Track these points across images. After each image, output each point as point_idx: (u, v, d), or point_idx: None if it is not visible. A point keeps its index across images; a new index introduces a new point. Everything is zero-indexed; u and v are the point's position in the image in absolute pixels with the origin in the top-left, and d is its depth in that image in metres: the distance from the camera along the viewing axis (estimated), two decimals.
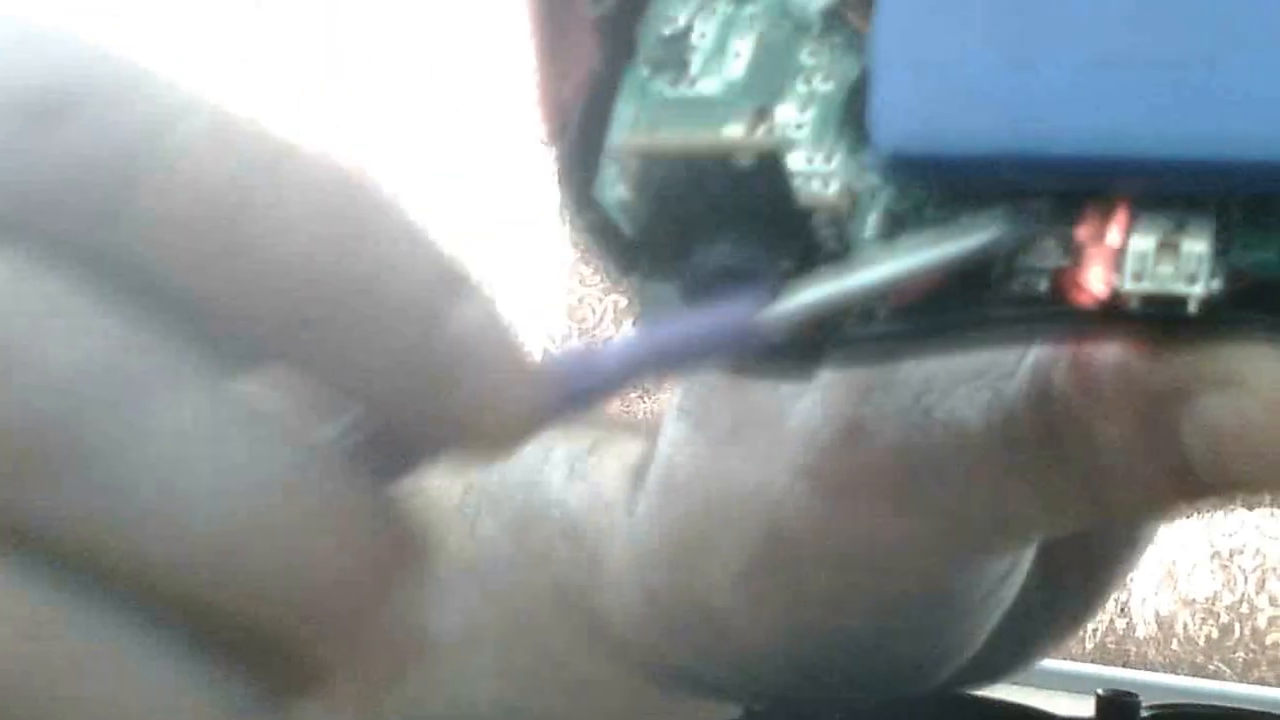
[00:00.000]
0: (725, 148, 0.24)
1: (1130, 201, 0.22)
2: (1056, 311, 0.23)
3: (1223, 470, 0.24)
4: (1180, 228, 0.22)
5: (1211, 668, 1.72)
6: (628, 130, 0.25)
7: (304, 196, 0.18)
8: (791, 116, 0.24)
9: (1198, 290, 0.22)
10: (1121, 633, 1.73)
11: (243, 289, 0.18)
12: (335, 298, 0.18)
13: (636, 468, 0.34)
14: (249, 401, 0.19)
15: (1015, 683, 0.37)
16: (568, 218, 0.25)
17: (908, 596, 0.30)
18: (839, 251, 0.24)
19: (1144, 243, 0.22)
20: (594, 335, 1.61)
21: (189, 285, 0.18)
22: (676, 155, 0.24)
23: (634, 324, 0.25)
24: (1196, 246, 0.22)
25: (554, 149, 0.26)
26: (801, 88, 0.24)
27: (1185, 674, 1.71)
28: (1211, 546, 1.68)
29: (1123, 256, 0.22)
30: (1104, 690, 0.36)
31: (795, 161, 0.24)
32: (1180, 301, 0.22)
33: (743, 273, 0.24)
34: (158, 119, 0.19)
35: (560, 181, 0.25)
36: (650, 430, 0.34)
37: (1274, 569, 1.67)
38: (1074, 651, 1.72)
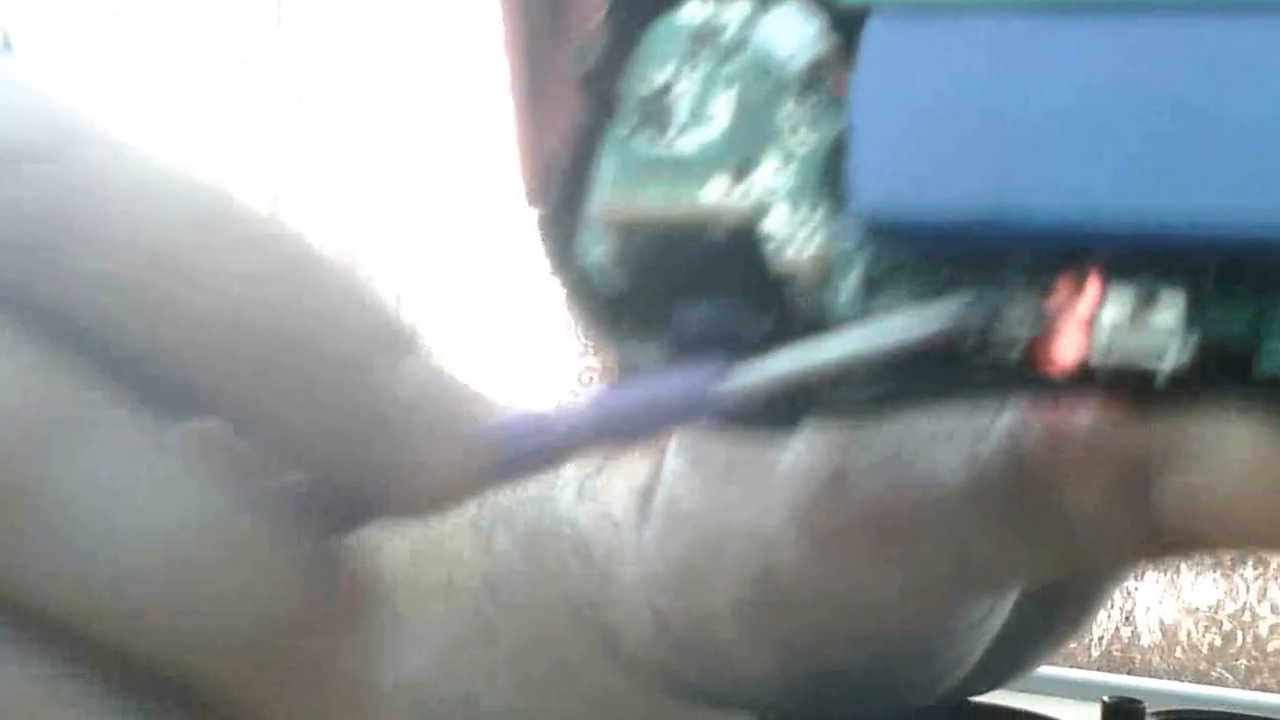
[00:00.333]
0: (702, 216, 0.24)
1: (1103, 270, 0.22)
2: (1028, 379, 0.23)
3: (1193, 536, 0.24)
4: (1152, 299, 0.22)
5: (1214, 675, 1.71)
6: (608, 192, 0.25)
7: (240, 254, 0.18)
8: (770, 176, 0.24)
9: (1167, 364, 0.22)
10: (1126, 641, 1.72)
11: (177, 343, 0.18)
12: (269, 355, 0.18)
13: (643, 489, 0.34)
14: (187, 450, 0.19)
15: (1022, 690, 0.37)
16: (550, 272, 0.25)
17: (898, 633, 0.31)
18: (816, 315, 0.24)
19: (1115, 314, 0.22)
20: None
21: (124, 338, 0.18)
22: (655, 223, 0.24)
23: (612, 383, 0.25)
24: (1167, 320, 0.22)
25: (535, 207, 0.25)
26: (781, 147, 0.24)
27: (1189, 681, 1.70)
28: (1214, 555, 1.67)
29: (1094, 327, 0.22)
30: (1109, 697, 0.36)
31: (773, 222, 0.24)
32: (1152, 371, 0.22)
33: (723, 335, 0.24)
34: (94, 175, 0.18)
35: (543, 236, 0.25)
36: (657, 451, 0.34)
37: (1275, 577, 1.67)
38: (1080, 659, 1.72)
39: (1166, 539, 0.24)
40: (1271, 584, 1.67)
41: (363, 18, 2.03)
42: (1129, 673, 1.71)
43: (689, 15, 0.25)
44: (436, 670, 0.40)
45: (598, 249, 0.25)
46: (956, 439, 0.27)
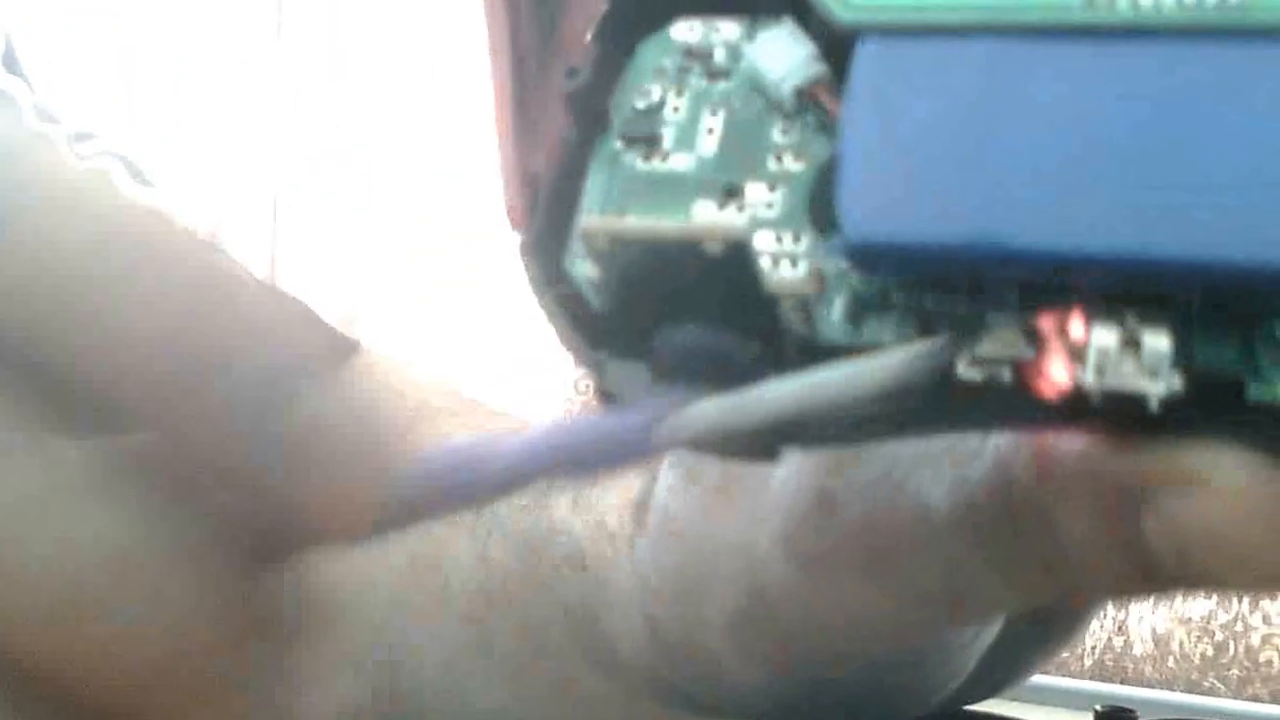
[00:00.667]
0: (692, 235, 0.24)
1: (1093, 295, 0.22)
2: (1019, 402, 0.22)
3: (1186, 567, 0.23)
4: (1142, 324, 0.21)
5: (1207, 684, 1.71)
6: (598, 208, 0.24)
7: (162, 272, 0.18)
8: (762, 195, 0.24)
9: (1159, 389, 0.21)
10: (1119, 650, 1.72)
11: (87, 360, 0.18)
12: (186, 374, 0.18)
13: (638, 501, 0.34)
14: (93, 468, 0.18)
15: (1016, 699, 0.37)
16: (534, 292, 0.25)
17: (887, 655, 0.30)
18: (805, 338, 0.23)
19: (1106, 337, 0.22)
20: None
21: (40, 352, 0.18)
22: (645, 240, 0.24)
23: (600, 401, 0.24)
24: (1159, 344, 0.21)
25: (520, 224, 0.25)
26: (772, 166, 0.24)
27: (1181, 690, 1.70)
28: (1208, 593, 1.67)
29: (1085, 350, 0.22)
30: (1102, 706, 0.36)
31: (763, 241, 0.23)
32: (1142, 398, 0.21)
33: (709, 357, 0.24)
34: (14, 187, 0.18)
35: (527, 255, 0.25)
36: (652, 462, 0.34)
37: None
38: (1073, 668, 1.71)
39: (1158, 570, 0.24)
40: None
41: (361, 23, 2.03)
42: (1121, 682, 1.71)
43: (679, 35, 0.25)
44: (433, 676, 0.40)
45: (583, 267, 0.24)
46: (945, 461, 0.27)
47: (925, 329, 0.23)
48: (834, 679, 0.31)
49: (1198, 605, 1.68)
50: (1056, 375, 0.22)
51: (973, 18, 0.22)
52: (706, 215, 0.24)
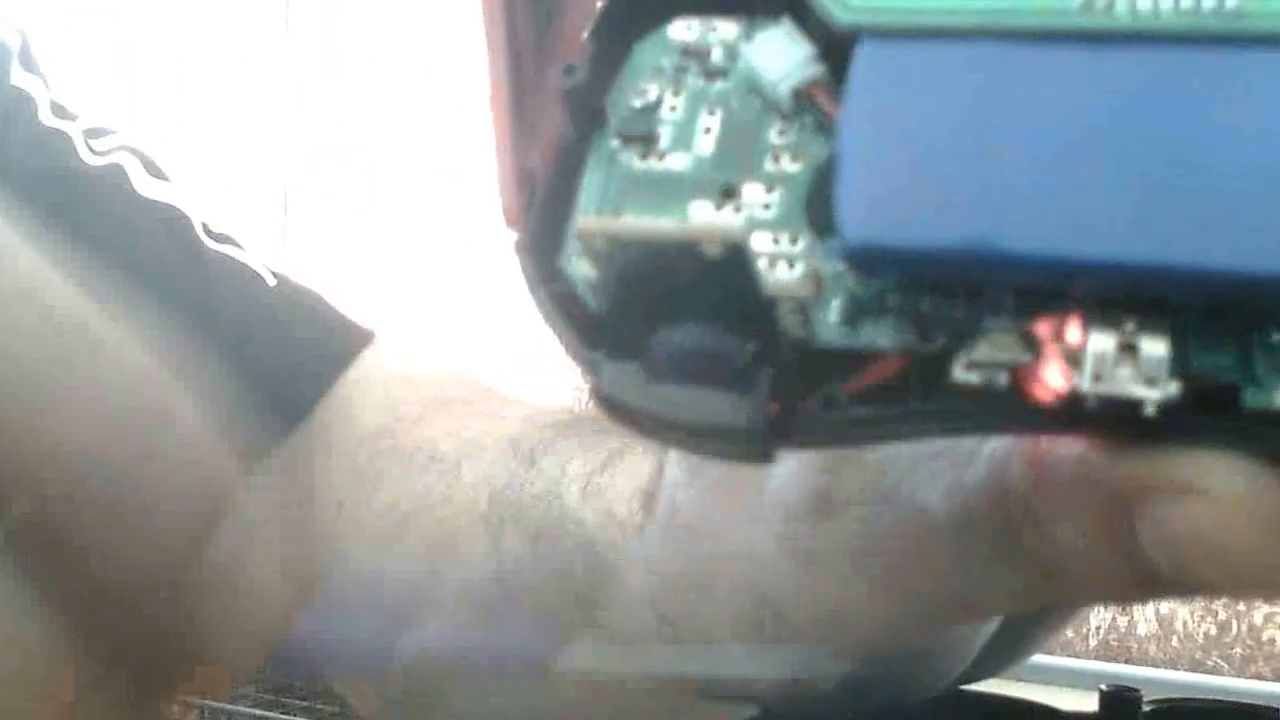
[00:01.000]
0: (689, 235, 0.23)
1: (1091, 300, 0.21)
2: (1015, 407, 0.22)
3: (1182, 573, 0.23)
4: (1140, 330, 0.21)
5: (1210, 663, 1.71)
6: (594, 207, 0.24)
7: (95, 401, 0.18)
8: (759, 196, 0.23)
9: (1156, 394, 0.21)
10: (1123, 630, 1.72)
11: (11, 470, 0.18)
12: (102, 502, 0.17)
13: (646, 489, 0.34)
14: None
15: (1021, 679, 0.37)
16: (530, 290, 0.24)
17: (890, 650, 0.30)
18: (802, 340, 0.23)
19: (1104, 343, 0.21)
20: None
21: None
22: (642, 239, 0.24)
23: (596, 401, 0.24)
24: (1156, 349, 0.21)
25: (516, 222, 0.25)
26: (770, 167, 0.24)
27: (1185, 669, 1.70)
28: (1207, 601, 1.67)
29: (1082, 355, 0.21)
30: (1107, 686, 0.36)
31: (760, 242, 0.23)
32: (1138, 404, 0.21)
33: (706, 358, 0.23)
34: None
35: (523, 253, 0.24)
36: (660, 450, 0.34)
37: None
38: (1077, 648, 1.72)
39: (1154, 576, 0.23)
40: None
41: (365, 23, 2.03)
42: (1126, 661, 1.71)
43: (676, 34, 0.25)
44: (448, 664, 0.40)
45: (579, 266, 0.24)
46: (942, 462, 0.27)
47: (922, 332, 0.23)
48: (835, 682, 0.31)
49: None
50: (1053, 380, 0.22)
51: (972, 21, 0.22)
52: (703, 215, 0.23)
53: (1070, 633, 1.71)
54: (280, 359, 0.46)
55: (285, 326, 0.47)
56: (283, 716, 1.18)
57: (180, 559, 0.18)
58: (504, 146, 0.25)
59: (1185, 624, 1.71)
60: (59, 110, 0.48)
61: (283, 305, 0.47)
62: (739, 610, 0.31)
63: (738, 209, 0.23)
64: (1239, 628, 1.71)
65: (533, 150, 0.25)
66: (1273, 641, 1.70)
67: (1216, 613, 1.70)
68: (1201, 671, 1.70)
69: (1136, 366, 0.21)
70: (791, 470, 0.29)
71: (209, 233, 0.47)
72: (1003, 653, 0.34)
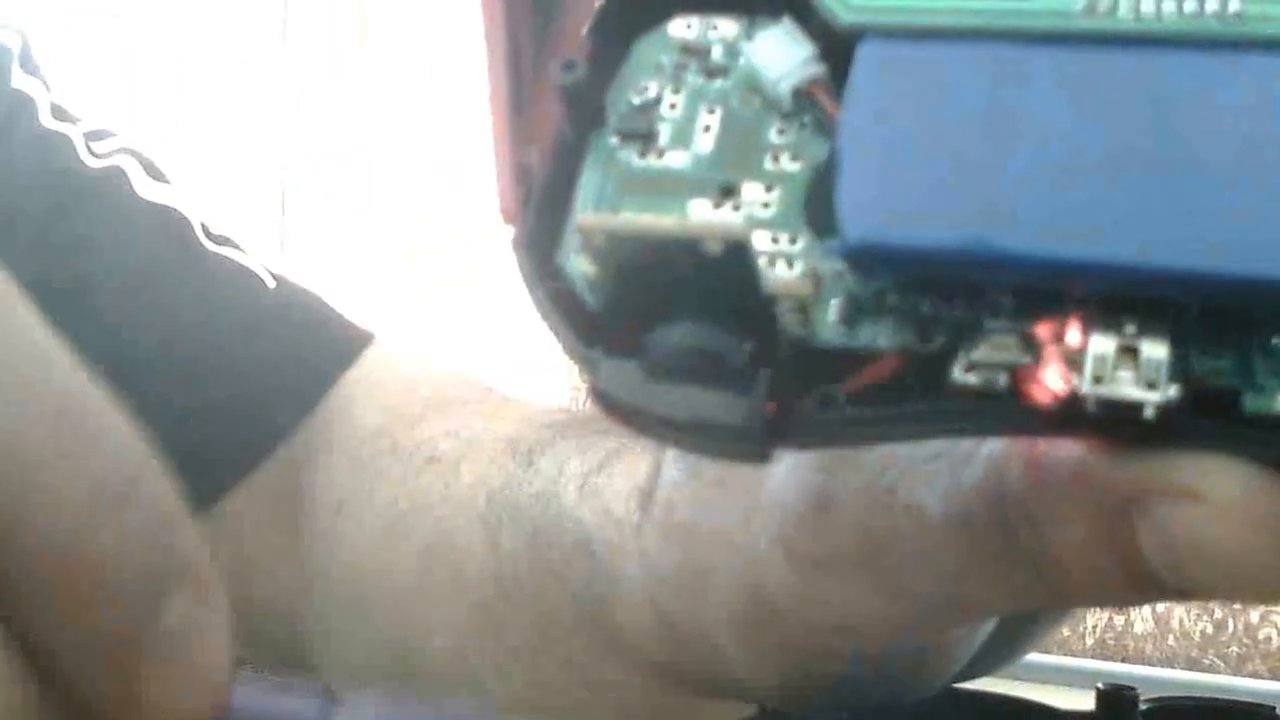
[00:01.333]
0: (688, 232, 0.23)
1: (1091, 302, 0.21)
2: (1014, 408, 0.22)
3: (1180, 577, 0.23)
4: (1140, 333, 0.21)
5: (1206, 661, 1.71)
6: (592, 204, 0.24)
7: (55, 471, 0.18)
8: (758, 194, 0.23)
9: (1156, 397, 0.21)
10: (1120, 629, 1.72)
11: None
12: (59, 575, 0.18)
13: (644, 488, 0.34)
14: None
15: (1018, 678, 0.37)
16: (527, 287, 0.24)
17: (888, 651, 0.30)
18: (800, 339, 0.23)
19: (1104, 345, 0.21)
20: None
21: None
22: (640, 236, 0.23)
23: (594, 399, 0.24)
24: (1157, 352, 0.21)
25: (514, 219, 0.24)
26: (769, 166, 0.23)
27: (1181, 668, 1.70)
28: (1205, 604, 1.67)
29: (1082, 357, 0.21)
30: (1104, 684, 0.36)
31: (760, 240, 0.23)
32: (1138, 407, 0.21)
33: (703, 357, 0.23)
34: None
35: (521, 250, 0.24)
36: (657, 449, 0.34)
37: None
38: (1074, 647, 1.72)
39: (1151, 580, 0.23)
40: None
41: (364, 23, 2.03)
42: (1123, 660, 1.71)
43: (676, 32, 0.25)
44: (446, 661, 0.40)
45: (577, 263, 0.24)
46: (940, 463, 0.26)
47: (921, 333, 0.22)
48: (838, 674, 0.31)
49: None
50: (1052, 382, 0.21)
51: (975, 22, 0.22)
52: (702, 214, 0.23)
53: (1067, 631, 1.71)
54: (280, 360, 0.46)
55: (285, 328, 0.47)
56: None
57: (131, 627, 0.18)
58: (502, 143, 0.25)
59: (1182, 622, 1.71)
60: (59, 113, 0.48)
61: (282, 306, 0.47)
62: (737, 610, 0.31)
63: (737, 208, 0.23)
64: (1235, 626, 1.71)
65: (531, 147, 0.25)
66: (1269, 640, 1.70)
67: (1213, 611, 1.70)
68: (1198, 670, 1.70)
69: (1136, 369, 0.21)
70: (789, 470, 0.29)
71: (208, 234, 0.47)
72: (1000, 651, 0.34)
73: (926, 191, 0.21)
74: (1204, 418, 0.21)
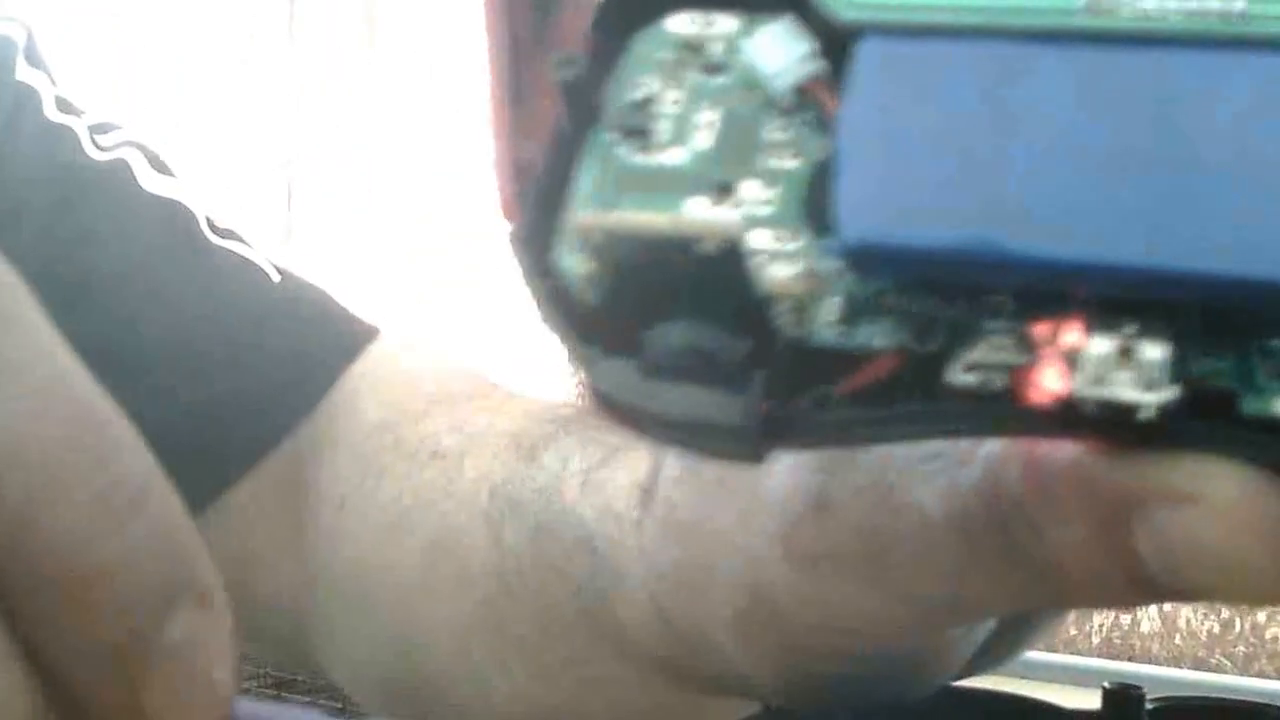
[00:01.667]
0: (686, 231, 0.23)
1: (1090, 303, 0.21)
2: (1012, 409, 0.22)
3: (1178, 579, 0.23)
4: (1139, 334, 0.21)
5: (1213, 661, 1.71)
6: (589, 201, 0.24)
7: (65, 481, 0.17)
8: (757, 192, 0.23)
9: (1154, 399, 0.21)
10: (1126, 628, 1.72)
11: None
12: (67, 584, 0.18)
13: (644, 484, 0.34)
14: None
15: (1024, 676, 0.37)
16: (525, 283, 0.24)
17: (888, 651, 0.30)
18: (798, 340, 0.23)
19: (1102, 346, 0.21)
20: None
21: None
22: (638, 234, 0.23)
23: (590, 397, 0.24)
24: (1155, 354, 0.21)
25: (512, 214, 0.25)
26: (768, 164, 0.23)
27: (1188, 668, 1.70)
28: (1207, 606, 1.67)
29: (1081, 358, 0.21)
30: (1110, 684, 0.36)
31: (758, 239, 0.23)
32: (1136, 409, 0.21)
33: (700, 356, 0.23)
34: None
35: (518, 246, 0.24)
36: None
37: None
38: (1081, 646, 1.71)
39: (1150, 581, 0.23)
40: None
41: (368, 21, 2.03)
42: (1129, 659, 1.71)
43: (675, 28, 0.24)
44: (450, 656, 0.40)
45: (574, 260, 0.24)
46: (938, 463, 0.26)
47: (919, 333, 0.22)
48: (839, 673, 0.31)
49: None
50: (1050, 383, 0.21)
51: (976, 20, 0.22)
52: (700, 211, 0.23)
53: (1074, 630, 1.71)
54: (284, 354, 0.46)
55: (289, 322, 0.47)
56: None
57: (136, 637, 0.18)
58: (501, 138, 0.25)
59: (1189, 622, 1.71)
60: (64, 105, 0.48)
61: (287, 300, 0.47)
62: (736, 608, 0.30)
63: (735, 205, 0.23)
64: (1242, 626, 1.71)
65: (530, 142, 0.25)
66: (1275, 640, 1.69)
67: (1220, 611, 1.70)
68: (1205, 670, 1.69)
69: (1135, 371, 0.21)
70: (788, 469, 0.29)
71: (213, 228, 0.47)
72: (1000, 648, 0.34)
73: (926, 191, 0.21)
74: (1203, 420, 0.21)
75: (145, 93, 1.97)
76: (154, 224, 0.46)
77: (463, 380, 0.46)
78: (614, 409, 0.24)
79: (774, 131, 0.23)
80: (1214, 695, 0.39)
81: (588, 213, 0.24)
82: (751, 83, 0.24)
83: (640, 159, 0.24)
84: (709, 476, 0.31)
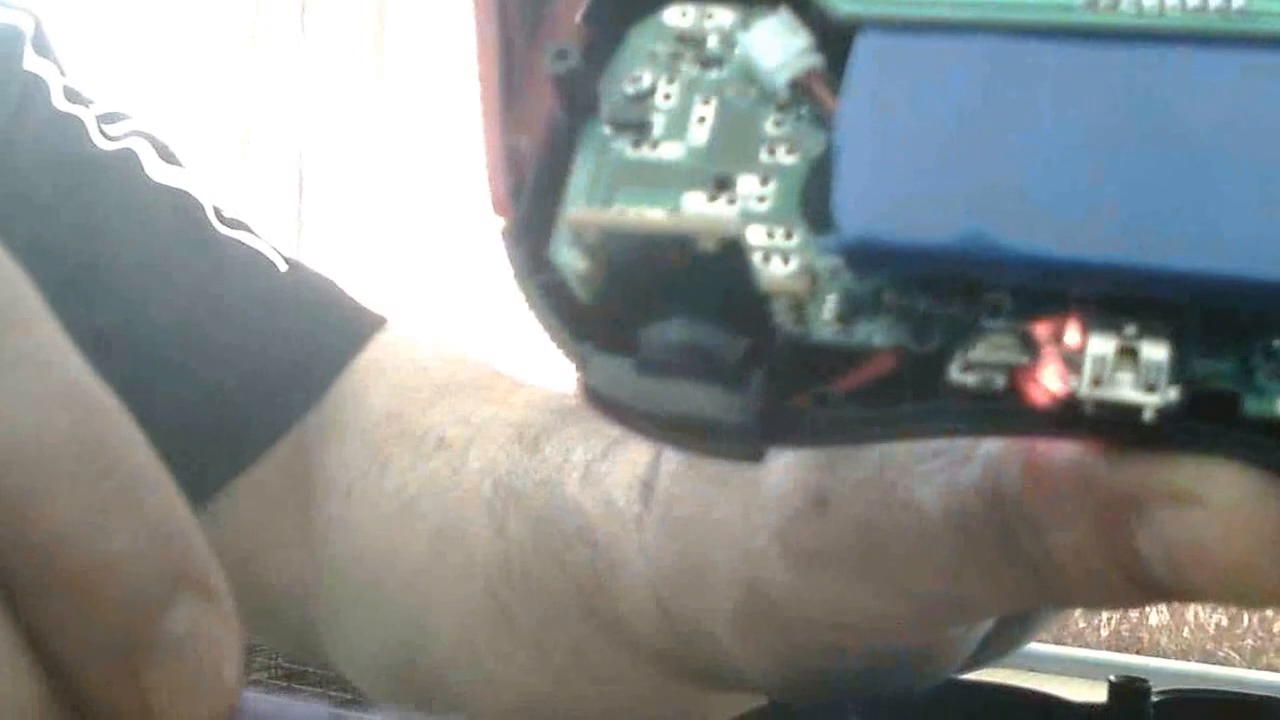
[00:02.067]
0: (683, 226, 0.22)
1: (1090, 303, 0.21)
2: (1012, 409, 0.21)
3: (1179, 581, 0.22)
4: (1140, 334, 0.21)
5: (1221, 654, 1.71)
6: (584, 195, 0.23)
7: (65, 473, 0.17)
8: (753, 188, 0.23)
9: (1156, 400, 0.20)
10: (1135, 621, 1.72)
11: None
12: (69, 576, 0.18)
13: (644, 478, 0.34)
14: None
15: (1031, 669, 0.37)
16: (516, 280, 0.24)
17: (887, 649, 0.30)
18: (796, 332, 0.22)
19: (1103, 346, 0.21)
20: None
21: None
22: (633, 230, 0.23)
23: (584, 396, 0.23)
24: (1156, 354, 0.20)
25: (504, 210, 0.24)
26: (765, 158, 0.23)
27: (1196, 661, 1.70)
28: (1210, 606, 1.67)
29: (1081, 358, 0.21)
30: (1116, 676, 0.36)
31: (755, 235, 0.22)
32: (1137, 410, 0.20)
33: (696, 354, 0.22)
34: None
35: (511, 242, 0.24)
36: None
37: None
38: (1089, 639, 1.71)
39: (1150, 582, 0.23)
40: None
41: (380, 13, 2.03)
42: (1137, 652, 1.71)
43: (672, 20, 0.24)
44: (453, 646, 0.40)
45: (568, 256, 0.23)
46: (938, 461, 0.26)
47: (918, 332, 0.22)
48: (839, 669, 0.31)
49: None
50: (1050, 383, 0.21)
51: (976, 15, 0.21)
52: (696, 207, 0.23)
53: (1082, 623, 1.71)
54: (291, 344, 0.46)
55: (296, 311, 0.47)
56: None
57: (139, 630, 0.18)
58: (492, 131, 0.24)
59: (1197, 615, 1.71)
60: (72, 95, 0.48)
61: (294, 290, 0.47)
62: (734, 604, 0.30)
63: (732, 201, 0.23)
64: (1250, 619, 1.71)
65: (522, 135, 0.24)
66: None
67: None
68: (1213, 663, 1.69)
69: (1136, 371, 0.21)
70: (788, 466, 0.29)
71: (221, 217, 0.47)
72: (1002, 642, 0.34)
73: (925, 187, 0.21)
74: (1204, 421, 0.21)
75: (155, 84, 1.97)
76: (162, 214, 0.46)
77: (469, 370, 0.46)
78: (609, 407, 0.23)
79: (771, 126, 0.23)
80: (1221, 688, 0.39)
81: (582, 209, 0.23)
82: (749, 77, 0.23)
83: (636, 153, 0.23)
84: (709, 472, 0.31)
